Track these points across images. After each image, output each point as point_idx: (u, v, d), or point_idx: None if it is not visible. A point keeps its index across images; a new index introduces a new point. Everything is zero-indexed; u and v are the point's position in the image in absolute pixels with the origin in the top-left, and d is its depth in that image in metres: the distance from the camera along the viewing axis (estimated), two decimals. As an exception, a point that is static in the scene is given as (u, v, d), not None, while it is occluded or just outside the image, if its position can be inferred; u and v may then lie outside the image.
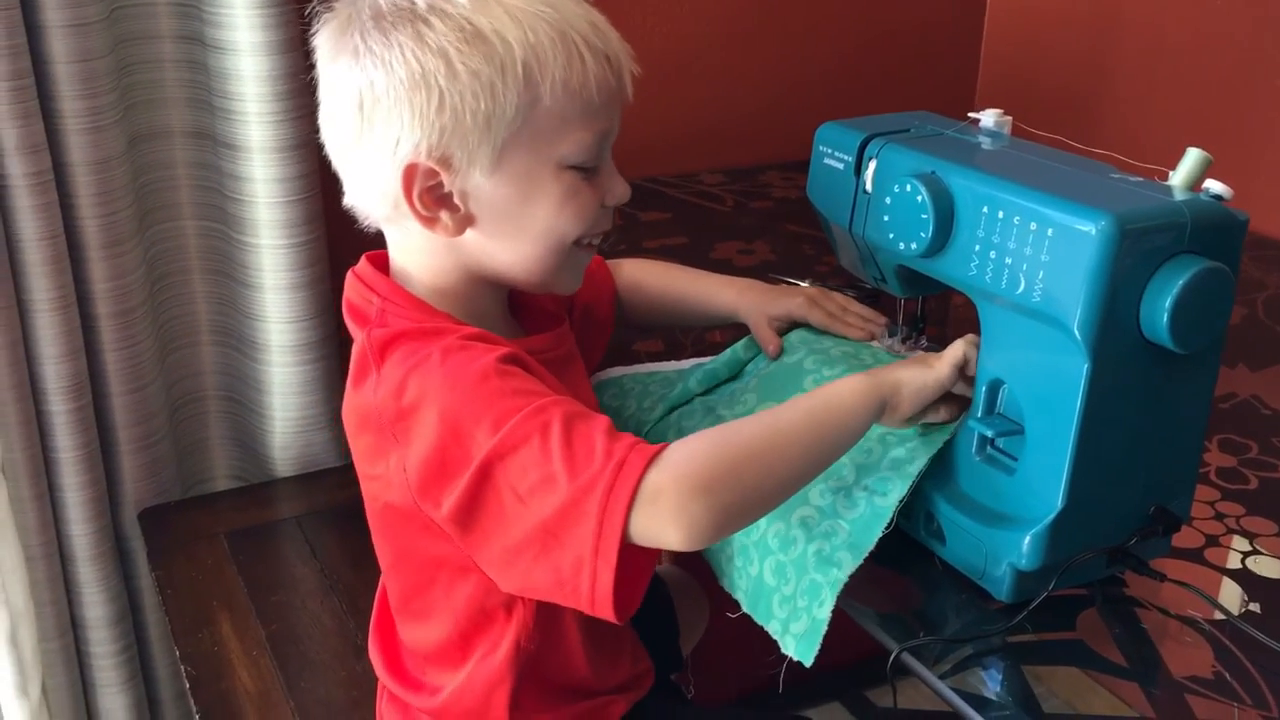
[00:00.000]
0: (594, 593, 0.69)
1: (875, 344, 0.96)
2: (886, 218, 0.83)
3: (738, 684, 1.73)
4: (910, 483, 0.82)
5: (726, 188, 1.70)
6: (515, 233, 0.79)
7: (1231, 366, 1.14)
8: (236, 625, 1.24)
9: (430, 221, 0.78)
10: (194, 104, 1.40)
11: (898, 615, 0.82)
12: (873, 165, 0.85)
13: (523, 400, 0.71)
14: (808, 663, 0.79)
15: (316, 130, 0.83)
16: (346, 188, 0.82)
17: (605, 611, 0.69)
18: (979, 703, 0.74)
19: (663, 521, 0.68)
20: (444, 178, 0.76)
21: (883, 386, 0.79)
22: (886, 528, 0.81)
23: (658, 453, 0.69)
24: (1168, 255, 0.72)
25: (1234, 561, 0.85)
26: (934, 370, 0.82)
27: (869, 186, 0.86)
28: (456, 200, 0.78)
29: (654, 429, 0.96)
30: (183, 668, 1.19)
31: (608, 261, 1.04)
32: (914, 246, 0.81)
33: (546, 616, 0.83)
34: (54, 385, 1.33)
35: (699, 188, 1.70)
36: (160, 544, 1.38)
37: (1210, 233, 0.73)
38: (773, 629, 0.82)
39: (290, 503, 1.49)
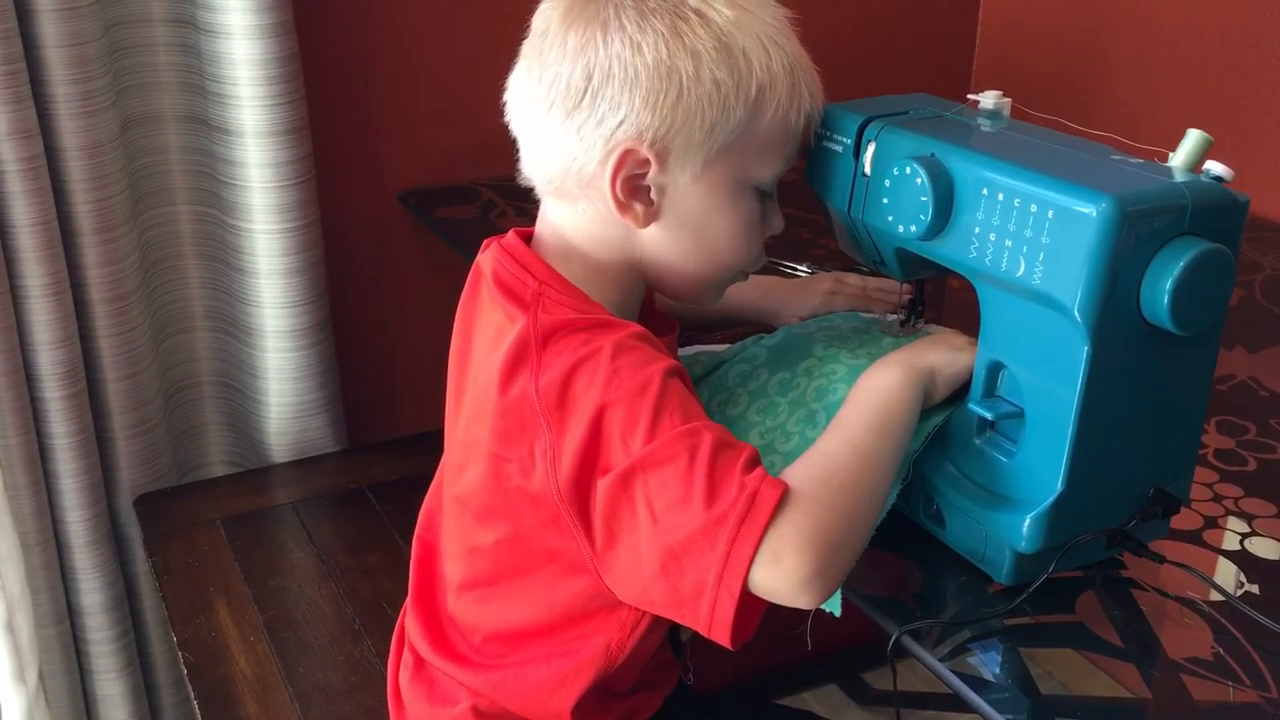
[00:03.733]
0: (712, 618, 0.70)
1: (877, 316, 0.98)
2: (885, 200, 0.83)
3: (734, 670, 1.74)
4: (925, 437, 0.83)
5: (722, 171, 1.69)
6: (694, 239, 0.82)
7: (1229, 348, 1.14)
8: (233, 611, 1.24)
9: (623, 208, 0.79)
10: (187, 88, 1.39)
11: (897, 598, 0.82)
12: (871, 148, 0.85)
13: (679, 418, 0.72)
14: (837, 612, 0.79)
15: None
16: (528, 155, 0.83)
17: (721, 637, 0.71)
18: (978, 685, 0.74)
19: (787, 585, 0.70)
20: (652, 169, 0.78)
21: (922, 375, 0.81)
22: (904, 480, 0.82)
23: (785, 491, 0.70)
24: (1168, 237, 0.72)
25: (1232, 543, 0.85)
26: (966, 355, 0.83)
27: (868, 169, 0.85)
28: (653, 194, 0.79)
29: None
30: (180, 654, 1.19)
31: None
32: (913, 229, 0.80)
33: (644, 630, 0.83)
34: (48, 372, 1.32)
35: (695, 171, 1.69)
36: (156, 530, 1.38)
37: (1211, 214, 0.72)
38: None
39: (287, 488, 1.49)
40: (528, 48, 0.82)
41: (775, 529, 0.69)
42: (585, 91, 0.77)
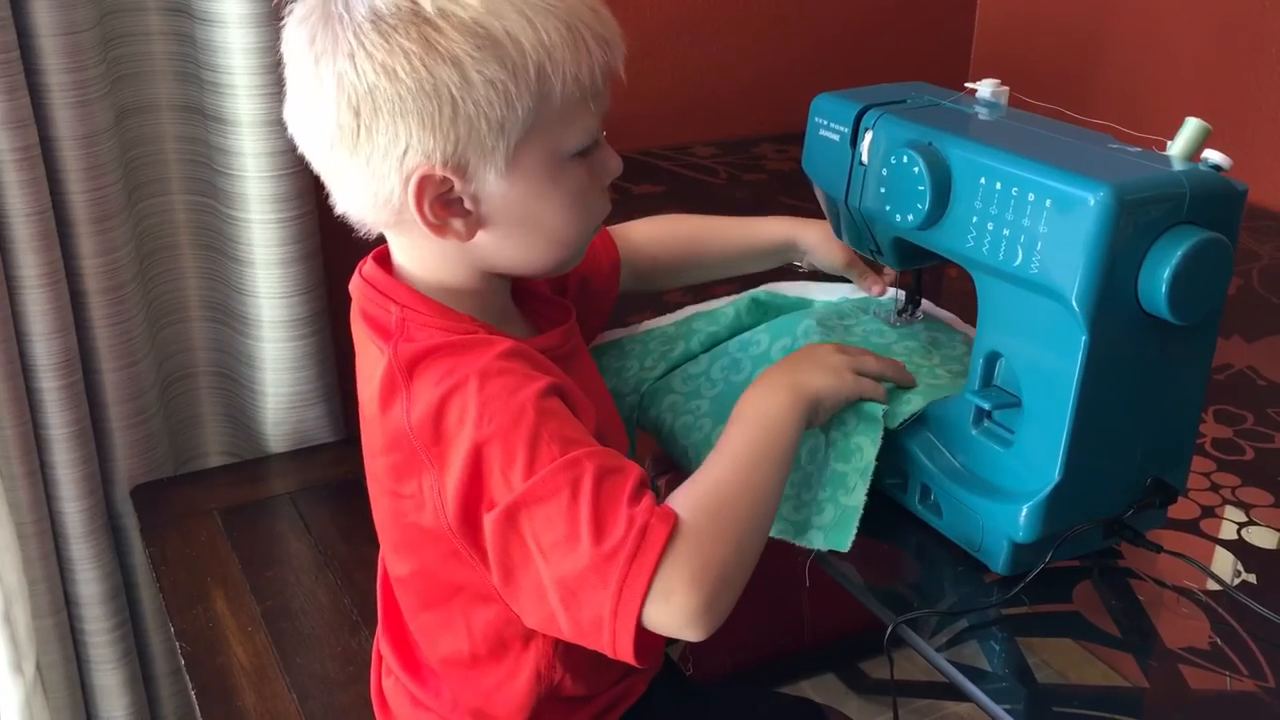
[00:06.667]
0: (615, 647, 0.70)
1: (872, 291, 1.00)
2: (883, 189, 0.83)
3: (732, 660, 1.74)
4: (902, 419, 0.84)
5: (720, 160, 1.69)
6: (528, 231, 0.77)
7: (1227, 337, 1.14)
8: (231, 601, 1.24)
9: (441, 229, 0.75)
10: (182, 77, 1.39)
11: (894, 588, 0.82)
12: (869, 136, 0.85)
13: (558, 448, 0.70)
14: (844, 548, 0.79)
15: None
16: (336, 195, 0.78)
17: (627, 660, 0.70)
18: (975, 674, 0.74)
19: (677, 622, 0.69)
20: (456, 184, 0.74)
21: (810, 404, 0.79)
22: (884, 415, 0.83)
23: (675, 524, 0.69)
24: (1166, 226, 0.71)
25: (1229, 532, 0.85)
26: (849, 383, 0.82)
27: (865, 158, 0.85)
28: (468, 205, 0.75)
29: (655, 385, 0.96)
30: (178, 644, 1.19)
31: (613, 227, 1.02)
32: (911, 218, 0.80)
33: (564, 649, 0.82)
34: (44, 362, 1.32)
35: (692, 160, 1.69)
36: (153, 521, 1.38)
37: (1209, 203, 0.72)
38: (781, 532, 0.82)
39: (283, 479, 1.48)
40: (289, 76, 0.77)
41: (665, 566, 0.68)
42: (358, 128, 0.72)
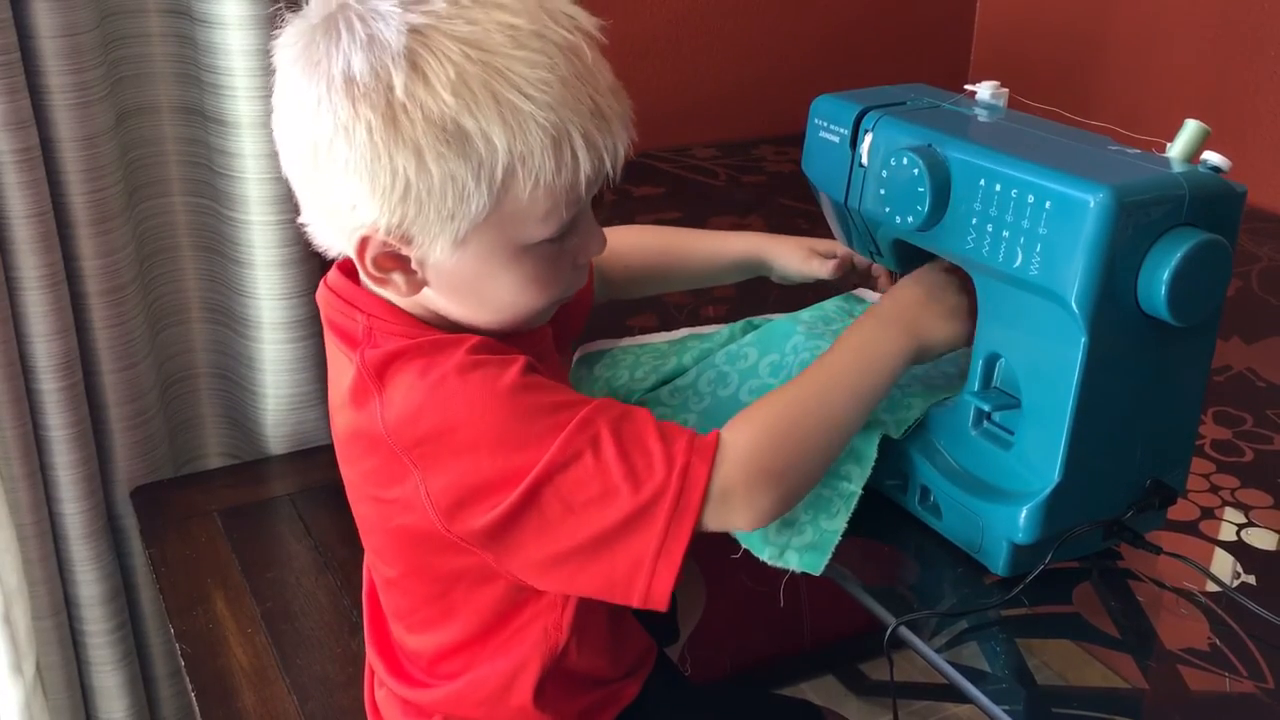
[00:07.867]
0: (649, 591, 0.71)
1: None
2: (883, 191, 0.83)
3: (731, 661, 1.74)
4: (906, 428, 0.84)
5: (719, 161, 1.69)
6: (475, 299, 0.75)
7: (1226, 339, 1.14)
8: (231, 603, 1.24)
9: (382, 282, 0.73)
10: (182, 79, 1.39)
11: (893, 589, 0.82)
12: (869, 138, 0.85)
13: (563, 415, 0.70)
14: (816, 572, 0.79)
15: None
16: (301, 206, 0.75)
17: (659, 605, 0.71)
18: (974, 676, 0.74)
19: (734, 516, 0.71)
20: (402, 249, 0.71)
21: (920, 350, 0.81)
22: (884, 433, 0.83)
23: (716, 449, 0.70)
24: (1166, 228, 0.71)
25: (1229, 534, 0.85)
26: (967, 328, 0.83)
27: (865, 160, 0.85)
28: (414, 266, 0.73)
29: (644, 397, 0.96)
30: (178, 645, 1.19)
31: None
32: (910, 220, 0.80)
33: (574, 610, 0.82)
34: (44, 363, 1.32)
35: (691, 161, 1.69)
36: (153, 522, 1.38)
37: (1208, 205, 0.72)
38: (767, 556, 0.81)
39: (283, 480, 1.48)
40: (278, 90, 0.74)
41: (717, 474, 0.70)
42: (313, 166, 0.70)
